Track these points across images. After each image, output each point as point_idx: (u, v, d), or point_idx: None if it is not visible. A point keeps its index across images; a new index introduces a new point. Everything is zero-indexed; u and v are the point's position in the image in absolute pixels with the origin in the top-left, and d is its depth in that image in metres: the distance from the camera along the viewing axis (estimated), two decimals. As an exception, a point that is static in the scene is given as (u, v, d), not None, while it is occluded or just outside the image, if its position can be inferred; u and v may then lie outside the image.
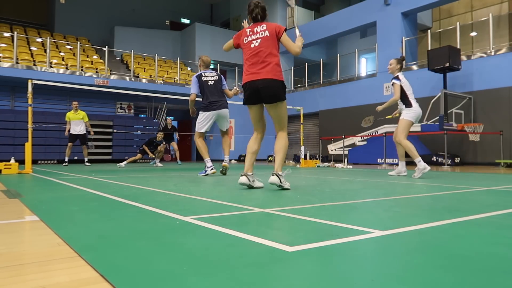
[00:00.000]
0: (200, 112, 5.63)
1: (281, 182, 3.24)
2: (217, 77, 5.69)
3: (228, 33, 20.33)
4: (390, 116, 5.93)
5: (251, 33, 3.49)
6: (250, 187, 3.45)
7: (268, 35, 3.42)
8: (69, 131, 10.07)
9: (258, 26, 3.49)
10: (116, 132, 14.56)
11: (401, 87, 5.12)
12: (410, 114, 5.11)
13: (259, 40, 3.42)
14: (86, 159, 10.40)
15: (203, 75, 5.64)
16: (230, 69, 19.63)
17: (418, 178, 4.86)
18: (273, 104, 3.41)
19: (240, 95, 5.95)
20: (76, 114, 10.10)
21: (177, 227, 1.69)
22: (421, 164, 4.91)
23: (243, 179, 3.38)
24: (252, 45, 3.44)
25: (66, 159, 10.21)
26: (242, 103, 3.54)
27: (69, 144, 10.22)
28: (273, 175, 3.26)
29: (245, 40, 3.51)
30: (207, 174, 5.41)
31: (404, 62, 5.35)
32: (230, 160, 16.13)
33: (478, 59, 11.09)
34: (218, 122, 5.71)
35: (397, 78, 5.15)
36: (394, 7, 13.30)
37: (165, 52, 19.72)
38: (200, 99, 5.77)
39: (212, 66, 19.54)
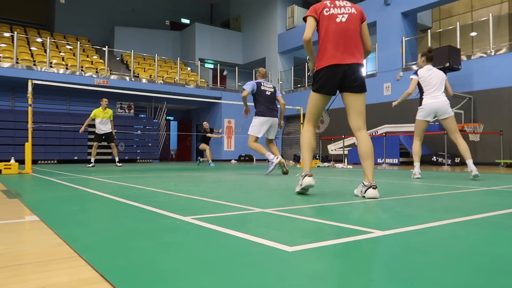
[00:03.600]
0: (255, 117, 5.86)
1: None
2: (273, 89, 6.05)
3: (228, 33, 20.33)
4: (395, 103, 5.49)
5: (332, 5, 2.89)
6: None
7: (356, 13, 2.89)
8: (86, 127, 9.51)
9: (341, 1, 2.92)
10: (116, 132, 14.55)
11: (418, 82, 4.95)
12: (419, 114, 4.99)
13: (346, 15, 2.84)
14: (117, 159, 9.78)
15: (262, 84, 5.93)
16: (230, 69, 19.61)
17: (414, 178, 4.88)
18: (361, 94, 2.87)
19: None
20: (105, 112, 9.56)
21: (177, 227, 1.69)
22: (416, 170, 4.98)
23: (311, 181, 2.78)
24: (338, 19, 2.83)
25: (92, 160, 9.48)
26: (312, 90, 2.93)
27: (95, 143, 9.56)
28: (375, 188, 2.68)
29: (326, 12, 2.86)
30: (274, 163, 5.57)
31: (430, 54, 5.03)
32: (231, 160, 16.14)
33: (478, 59, 11.09)
34: (268, 130, 5.94)
35: (415, 73, 5.01)
36: (394, 7, 13.30)
37: (165, 52, 19.72)
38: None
39: (212, 66, 19.54)
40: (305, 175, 2.81)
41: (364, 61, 2.96)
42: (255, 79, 6.10)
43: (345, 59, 2.80)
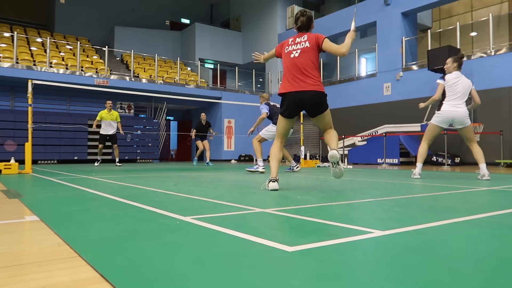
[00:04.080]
0: (272, 125, 6.67)
1: (340, 161, 3.21)
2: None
3: (228, 33, 20.33)
4: (422, 105, 5.48)
5: (292, 42, 3.41)
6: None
7: (309, 46, 3.32)
8: (97, 126, 9.91)
9: (300, 36, 3.40)
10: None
11: (444, 87, 4.85)
12: (434, 118, 4.89)
13: (298, 51, 3.34)
14: (117, 159, 10.13)
15: (270, 103, 6.87)
16: (230, 69, 19.63)
17: (415, 178, 4.88)
18: (321, 115, 3.36)
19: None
20: (110, 114, 9.92)
21: (177, 227, 1.69)
22: (416, 170, 4.98)
23: (276, 185, 3.28)
24: (292, 55, 3.36)
25: (99, 158, 10.06)
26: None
27: (100, 146, 10.01)
28: (334, 149, 3.16)
29: (286, 49, 3.44)
30: (258, 170, 6.24)
31: (462, 60, 4.98)
32: (231, 160, 16.15)
33: (478, 59, 11.09)
34: None
35: (442, 77, 4.90)
36: (394, 7, 13.30)
37: (165, 52, 19.71)
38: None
39: (212, 66, 19.54)
40: (271, 180, 3.33)
41: (319, 88, 3.31)
42: (262, 103, 6.90)
43: (296, 87, 3.27)
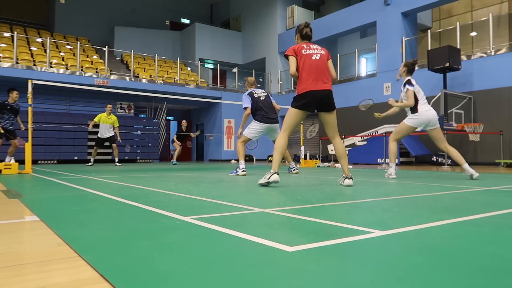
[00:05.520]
0: (254, 121, 6.07)
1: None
2: (266, 93, 6.29)
3: (228, 33, 20.33)
4: (378, 115, 5.49)
5: (308, 47, 3.80)
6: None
7: (324, 54, 3.84)
8: (93, 126, 10.10)
9: (312, 45, 3.85)
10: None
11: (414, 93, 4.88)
12: (411, 120, 4.91)
13: (319, 55, 3.78)
14: (117, 159, 10.18)
15: (254, 92, 6.17)
16: (230, 69, 19.62)
17: (390, 178, 4.92)
18: (332, 112, 3.80)
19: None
20: (109, 118, 10.02)
21: (177, 227, 1.69)
22: (391, 170, 5.06)
23: (277, 178, 3.56)
24: (314, 58, 3.74)
25: (92, 159, 10.13)
26: (292, 106, 3.77)
27: (95, 148, 10.19)
28: (350, 178, 3.67)
29: (304, 51, 3.77)
30: (238, 174, 5.74)
31: (415, 65, 5.05)
32: (231, 160, 16.14)
33: (478, 59, 11.08)
34: (269, 133, 6.26)
35: (410, 83, 4.87)
36: (394, 7, 13.30)
37: (165, 52, 19.71)
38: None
39: (212, 66, 19.53)
40: (274, 173, 3.57)
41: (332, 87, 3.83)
42: (245, 93, 6.22)
43: (320, 86, 3.68)
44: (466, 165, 4.74)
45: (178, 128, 12.00)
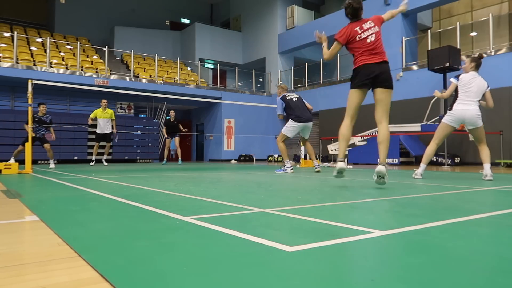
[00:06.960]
0: (291, 120, 6.56)
1: (386, 174, 3.40)
2: (298, 95, 6.81)
3: (228, 33, 20.33)
4: (438, 93, 5.23)
5: (362, 30, 3.64)
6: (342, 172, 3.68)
7: (378, 29, 3.68)
8: (91, 125, 10.17)
9: (365, 23, 3.67)
10: (116, 132, 14.56)
11: (456, 87, 4.78)
12: (446, 117, 4.84)
13: (374, 35, 3.62)
14: (105, 157, 10.27)
15: (287, 95, 6.68)
16: (230, 69, 19.62)
17: (416, 178, 4.88)
18: (388, 90, 3.60)
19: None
20: (105, 112, 10.06)
21: (177, 227, 1.69)
22: (419, 170, 4.98)
23: (342, 164, 3.61)
24: (369, 40, 3.60)
25: (93, 158, 10.16)
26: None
27: (96, 144, 10.21)
28: (382, 165, 3.43)
29: (358, 37, 3.63)
30: (287, 172, 6.18)
31: (480, 60, 4.83)
32: (231, 160, 16.14)
33: (478, 59, 11.06)
34: (303, 131, 6.78)
35: (457, 76, 4.83)
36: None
37: (165, 52, 19.71)
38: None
39: (212, 66, 19.53)
40: (339, 160, 3.62)
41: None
42: (279, 96, 6.74)
43: (376, 60, 3.55)
44: (487, 165, 4.65)
45: (165, 121, 11.81)
